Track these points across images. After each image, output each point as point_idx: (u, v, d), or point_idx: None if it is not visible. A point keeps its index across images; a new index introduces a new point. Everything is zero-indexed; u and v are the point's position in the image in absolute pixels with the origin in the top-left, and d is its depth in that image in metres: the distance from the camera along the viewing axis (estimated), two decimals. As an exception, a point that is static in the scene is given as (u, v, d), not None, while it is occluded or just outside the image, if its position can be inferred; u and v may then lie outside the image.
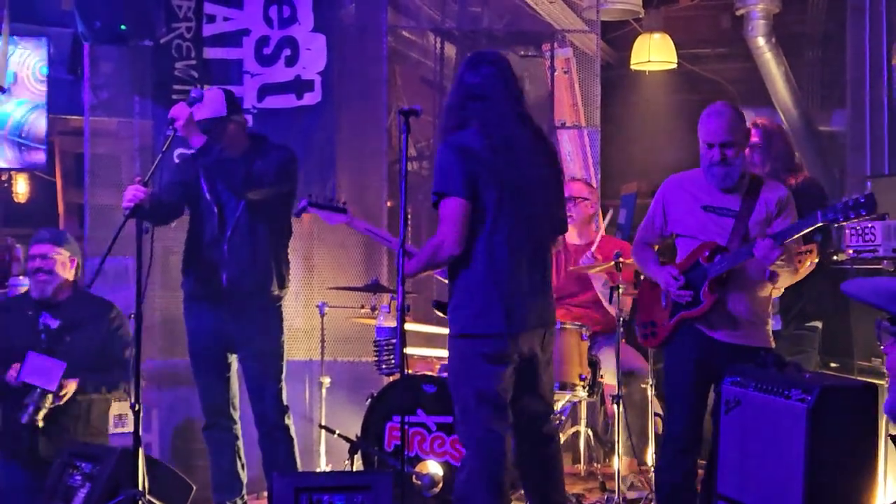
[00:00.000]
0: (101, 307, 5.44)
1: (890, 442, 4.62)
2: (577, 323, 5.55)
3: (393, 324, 5.30)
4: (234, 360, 5.08)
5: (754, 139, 5.23)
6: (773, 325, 5.14)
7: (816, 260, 4.95)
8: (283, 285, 5.06)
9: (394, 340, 5.22)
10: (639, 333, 4.84)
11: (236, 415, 5.12)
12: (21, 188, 7.60)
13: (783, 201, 4.44)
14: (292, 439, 5.06)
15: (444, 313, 4.32)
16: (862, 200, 4.00)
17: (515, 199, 4.11)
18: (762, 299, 4.50)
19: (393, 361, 5.30)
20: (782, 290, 5.04)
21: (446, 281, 4.31)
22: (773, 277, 4.45)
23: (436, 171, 4.12)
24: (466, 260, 4.09)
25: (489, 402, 4.10)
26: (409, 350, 4.23)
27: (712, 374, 4.45)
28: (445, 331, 6.25)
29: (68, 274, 5.32)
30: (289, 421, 5.05)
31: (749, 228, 4.38)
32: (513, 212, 4.11)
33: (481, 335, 4.09)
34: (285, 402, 5.06)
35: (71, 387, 5.07)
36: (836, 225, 4.16)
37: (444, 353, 5.97)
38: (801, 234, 4.21)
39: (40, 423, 5.01)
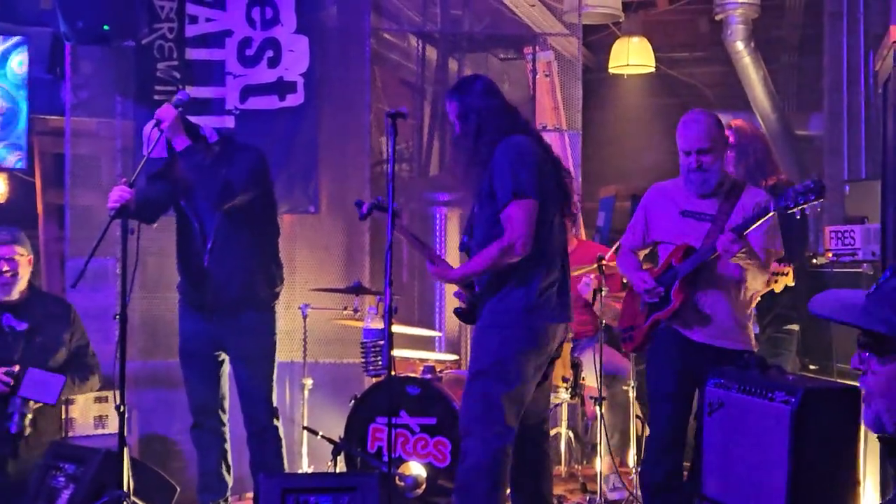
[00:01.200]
0: (61, 306, 5.45)
1: (871, 443, 4.66)
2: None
3: (380, 325, 5.30)
4: (225, 360, 5.06)
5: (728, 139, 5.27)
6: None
7: (792, 283, 4.98)
8: (273, 285, 5.04)
9: (381, 342, 5.23)
10: (620, 338, 4.89)
11: (225, 417, 5.09)
12: (-1, 188, 7.54)
13: (761, 206, 4.42)
14: (280, 440, 5.05)
15: (467, 321, 4.40)
16: (811, 185, 4.05)
17: (557, 199, 4.31)
18: (739, 301, 4.52)
19: (380, 363, 5.30)
20: (758, 298, 5.08)
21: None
22: (743, 276, 4.47)
23: (505, 172, 4.15)
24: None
25: (517, 399, 4.21)
26: (393, 352, 4.25)
27: (693, 376, 4.48)
28: (430, 333, 6.33)
29: (28, 273, 5.29)
30: (277, 422, 5.04)
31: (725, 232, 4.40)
32: (556, 211, 4.30)
33: (525, 328, 4.20)
34: (274, 404, 5.05)
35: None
36: (788, 212, 4.18)
37: (428, 354, 6.04)
38: (756, 223, 4.23)
39: (28, 430, 5.00)
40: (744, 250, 4.25)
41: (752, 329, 4.74)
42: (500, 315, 4.22)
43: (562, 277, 4.32)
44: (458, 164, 4.44)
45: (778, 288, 4.95)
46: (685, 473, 4.68)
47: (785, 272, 4.88)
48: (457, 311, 4.52)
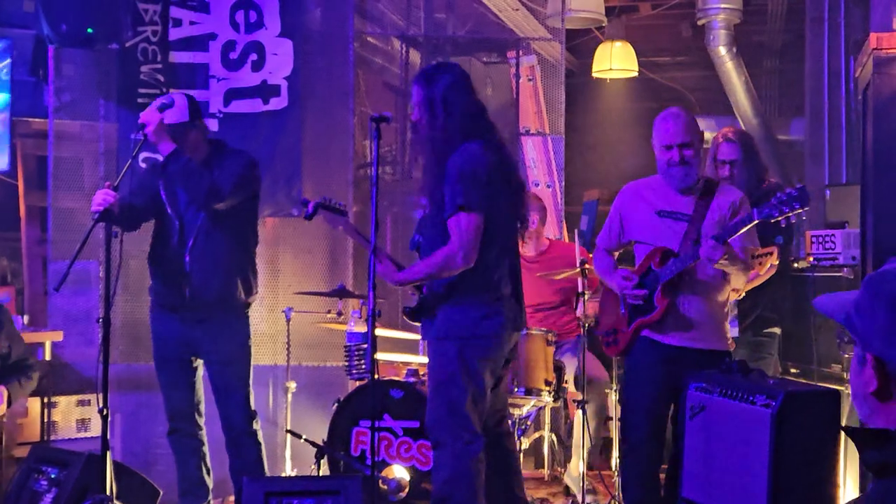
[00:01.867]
0: None
1: (851, 446, 4.69)
2: (542, 328, 5.58)
3: (363, 329, 5.31)
4: (200, 364, 5.05)
5: (733, 156, 5.27)
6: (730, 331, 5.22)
7: (776, 262, 5.02)
8: (249, 292, 5.01)
9: (364, 345, 5.24)
10: (602, 342, 4.89)
11: (201, 420, 5.07)
12: (-19, 191, 7.52)
13: (736, 204, 4.48)
14: (260, 444, 5.02)
15: (415, 320, 4.39)
16: (794, 194, 4.06)
17: (507, 208, 4.30)
18: (718, 303, 4.54)
19: (364, 366, 5.30)
20: (743, 293, 5.11)
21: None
22: (726, 278, 4.50)
23: (455, 181, 4.15)
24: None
25: (479, 404, 4.24)
26: (377, 355, 4.26)
27: (671, 382, 4.49)
28: (414, 336, 6.33)
29: None
30: (257, 426, 5.02)
31: (702, 232, 4.41)
32: (505, 221, 4.30)
33: (482, 336, 4.23)
34: (253, 408, 5.04)
35: (4, 399, 5.04)
36: (772, 221, 4.20)
37: (412, 357, 6.03)
38: (740, 232, 4.25)
39: None
40: (726, 257, 4.27)
41: (731, 327, 4.77)
42: (458, 324, 4.24)
43: (515, 285, 4.36)
44: (420, 153, 4.41)
45: (764, 269, 4.98)
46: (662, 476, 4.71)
47: (770, 251, 4.91)
48: (406, 311, 4.52)
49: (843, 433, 4.08)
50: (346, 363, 5.50)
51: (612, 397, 5.83)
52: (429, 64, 4.54)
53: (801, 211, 4.12)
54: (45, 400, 5.72)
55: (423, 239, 4.39)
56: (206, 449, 5.11)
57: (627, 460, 4.71)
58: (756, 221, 4.20)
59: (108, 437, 4.40)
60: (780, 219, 4.15)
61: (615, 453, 5.80)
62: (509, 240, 4.35)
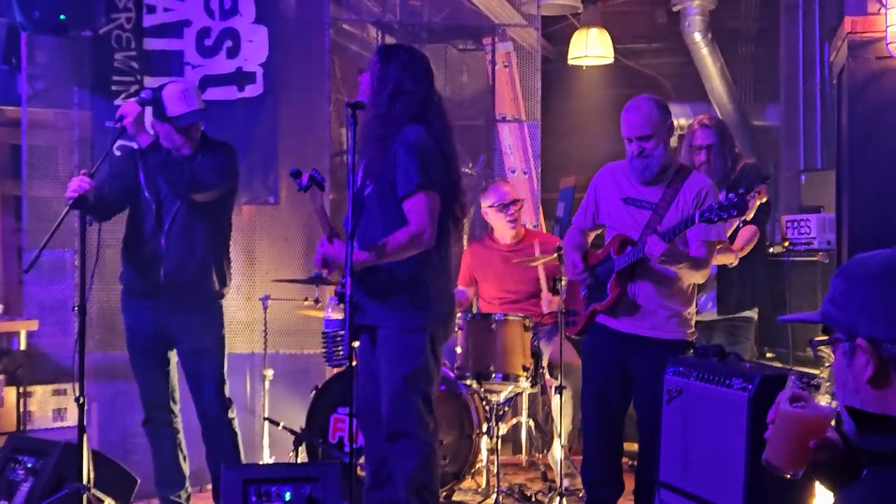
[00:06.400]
0: None
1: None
2: (519, 314, 5.59)
3: (340, 316, 5.29)
4: (173, 354, 5.03)
5: (708, 141, 5.27)
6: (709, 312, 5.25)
7: (765, 199, 5.06)
8: (224, 282, 5.00)
9: (341, 332, 5.22)
10: (564, 321, 4.95)
11: (176, 408, 5.06)
12: (-46, 180, 7.45)
13: (701, 195, 4.42)
14: (236, 433, 5.02)
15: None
16: (734, 200, 4.06)
17: (449, 195, 4.26)
18: (675, 291, 4.50)
19: (341, 353, 5.29)
20: (736, 261, 5.13)
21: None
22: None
23: (412, 163, 4.10)
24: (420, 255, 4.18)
25: (432, 392, 4.27)
26: (354, 342, 4.25)
27: (622, 367, 4.53)
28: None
29: None
30: (232, 414, 5.00)
31: (665, 222, 4.39)
32: (447, 207, 4.26)
33: (445, 322, 4.30)
34: (227, 396, 5.03)
35: None
36: (711, 224, 4.22)
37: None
38: (681, 232, 4.25)
39: None
40: (665, 256, 4.25)
41: (710, 308, 4.76)
42: (428, 313, 4.22)
43: (451, 272, 4.43)
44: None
45: (751, 215, 5.01)
46: (629, 461, 4.74)
47: (757, 190, 4.94)
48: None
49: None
50: (324, 350, 5.49)
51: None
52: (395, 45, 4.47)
53: (738, 218, 4.23)
54: (21, 389, 5.68)
55: (365, 218, 4.21)
56: (181, 437, 5.10)
57: (583, 443, 4.76)
58: (698, 222, 4.18)
59: (85, 426, 4.39)
60: (717, 223, 4.17)
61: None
62: (450, 228, 4.30)
